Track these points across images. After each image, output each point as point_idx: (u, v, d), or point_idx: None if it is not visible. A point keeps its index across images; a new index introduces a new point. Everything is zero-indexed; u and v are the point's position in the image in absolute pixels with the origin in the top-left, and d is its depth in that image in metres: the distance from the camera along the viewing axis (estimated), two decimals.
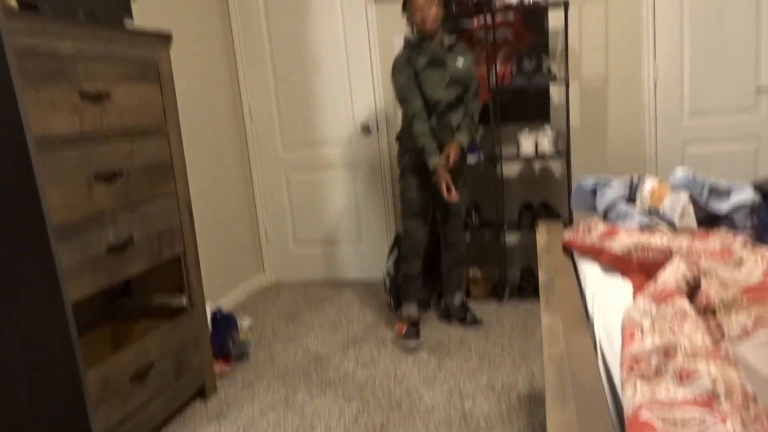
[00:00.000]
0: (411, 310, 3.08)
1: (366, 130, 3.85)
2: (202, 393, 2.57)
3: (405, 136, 2.94)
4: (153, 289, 2.55)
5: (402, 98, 2.88)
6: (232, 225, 3.87)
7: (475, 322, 3.14)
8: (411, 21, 2.88)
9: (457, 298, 3.24)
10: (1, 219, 1.04)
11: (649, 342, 0.95)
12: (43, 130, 1.77)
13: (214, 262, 3.64)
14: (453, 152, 2.83)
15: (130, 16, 2.25)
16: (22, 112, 1.04)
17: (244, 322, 3.35)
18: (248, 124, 4.05)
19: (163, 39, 2.33)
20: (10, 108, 1.03)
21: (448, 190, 2.75)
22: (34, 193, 1.07)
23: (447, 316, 3.28)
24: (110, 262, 2.02)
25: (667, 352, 0.90)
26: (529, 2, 3.19)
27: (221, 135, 3.77)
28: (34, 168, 1.06)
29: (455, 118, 2.93)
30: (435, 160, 2.77)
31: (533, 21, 3.49)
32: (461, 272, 3.27)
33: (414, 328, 3.00)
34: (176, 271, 2.47)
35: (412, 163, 2.91)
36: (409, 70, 2.84)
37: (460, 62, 2.92)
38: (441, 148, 2.88)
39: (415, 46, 2.88)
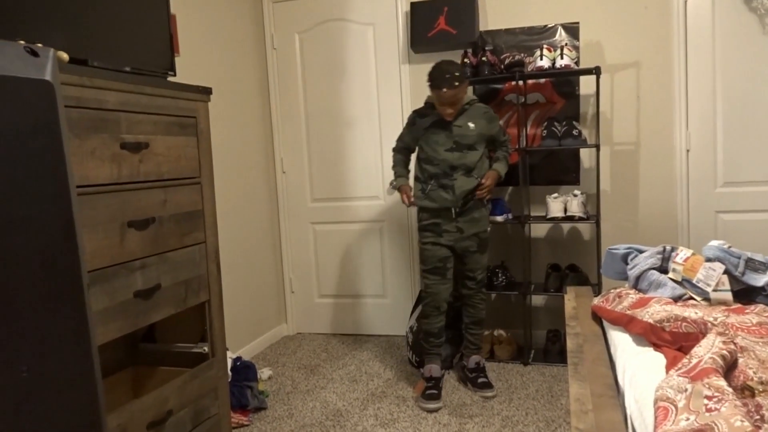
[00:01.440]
0: (432, 368, 3.00)
1: (393, 187, 3.88)
2: None
3: (415, 196, 3.04)
4: (175, 335, 2.55)
5: (395, 145, 3.17)
6: (258, 274, 3.89)
7: (485, 386, 3.01)
8: (433, 99, 2.91)
9: (473, 361, 3.13)
10: (41, 266, 1.07)
11: (684, 422, 0.92)
12: (82, 178, 1.83)
13: (238, 310, 3.64)
14: (490, 178, 2.95)
15: (173, 70, 2.35)
16: (67, 163, 1.08)
17: (263, 373, 3.32)
18: (279, 176, 4.12)
19: (203, 93, 2.41)
20: (57, 158, 1.07)
21: (408, 198, 3.01)
22: (72, 241, 1.09)
23: (463, 377, 3.21)
24: (137, 307, 2.04)
25: None
26: (561, 66, 3.23)
27: (253, 186, 3.84)
28: (75, 217, 1.09)
29: (461, 183, 2.89)
30: (400, 181, 3.10)
31: (565, 85, 3.54)
32: (480, 334, 3.18)
33: (435, 388, 2.93)
34: (200, 319, 2.47)
35: (427, 219, 2.97)
36: (412, 131, 3.04)
37: (471, 125, 2.91)
38: (439, 208, 2.93)
39: (428, 106, 3.00)
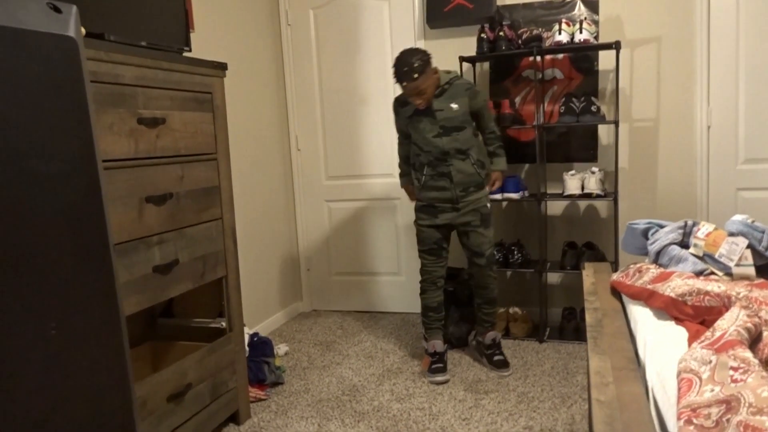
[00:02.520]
0: (435, 344, 3.03)
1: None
2: (235, 418, 2.57)
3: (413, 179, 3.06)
4: (193, 311, 2.58)
5: (398, 140, 3.15)
6: (273, 252, 3.90)
7: (501, 365, 3.00)
8: None
9: (489, 337, 3.12)
10: (71, 234, 1.07)
11: (708, 393, 0.91)
12: (101, 153, 1.83)
13: (254, 287, 3.67)
14: (498, 181, 3.05)
15: (189, 46, 2.34)
16: (94, 136, 1.08)
17: (280, 349, 3.35)
18: (294, 153, 4.11)
19: (219, 68, 2.40)
20: (84, 131, 1.07)
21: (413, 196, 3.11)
22: (99, 212, 1.10)
23: (478, 352, 3.22)
24: (155, 282, 2.06)
25: (729, 405, 0.85)
26: (580, 41, 3.18)
27: (268, 163, 3.84)
28: (102, 195, 1.09)
29: (458, 166, 2.85)
30: (402, 181, 3.19)
31: (583, 61, 3.48)
32: (493, 312, 3.15)
33: (440, 362, 2.96)
34: (217, 295, 2.50)
35: (420, 202, 3.00)
36: (398, 119, 3.02)
37: (454, 106, 2.83)
38: (439, 200, 2.92)
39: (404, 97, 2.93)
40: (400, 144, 3.13)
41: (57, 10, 1.07)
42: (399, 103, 2.98)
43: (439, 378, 2.89)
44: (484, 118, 2.96)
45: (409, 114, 2.90)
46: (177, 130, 2.17)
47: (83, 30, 1.82)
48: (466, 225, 2.94)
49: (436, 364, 2.95)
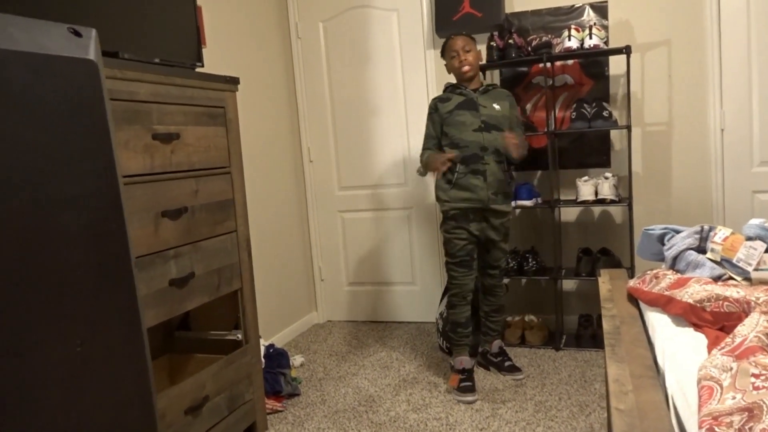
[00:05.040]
0: (463, 360, 2.95)
1: (421, 172, 3.86)
2: (252, 430, 2.57)
3: (440, 184, 2.94)
4: (210, 323, 2.59)
5: (424, 145, 3.02)
6: (288, 263, 3.92)
7: (514, 369, 3.02)
8: (449, 67, 2.94)
9: (495, 345, 3.14)
10: (94, 252, 1.09)
11: (730, 400, 0.90)
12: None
13: (269, 299, 3.68)
14: (511, 139, 2.79)
15: (201, 61, 2.37)
16: (113, 141, 1.10)
17: (296, 360, 3.36)
18: (306, 164, 4.14)
19: (231, 83, 2.43)
20: (103, 135, 1.09)
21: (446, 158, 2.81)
22: (121, 229, 1.11)
23: (485, 362, 3.19)
24: (172, 295, 2.07)
25: (752, 413, 0.84)
26: (590, 46, 3.17)
27: (280, 175, 3.87)
28: (121, 194, 1.11)
29: (493, 168, 2.83)
30: (427, 153, 2.94)
31: (594, 66, 3.47)
32: (500, 320, 3.16)
33: (469, 380, 2.87)
34: (233, 307, 2.51)
35: (451, 210, 2.89)
36: (435, 118, 2.94)
37: (497, 106, 2.88)
38: (471, 200, 2.84)
39: (449, 90, 2.95)
40: (429, 150, 2.97)
41: (77, 34, 1.09)
42: (439, 99, 2.94)
43: (469, 398, 2.78)
44: (517, 126, 2.99)
45: (450, 108, 2.86)
46: (191, 144, 2.19)
47: None
48: (490, 243, 2.96)
49: (465, 383, 2.85)
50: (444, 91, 2.99)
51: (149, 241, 1.98)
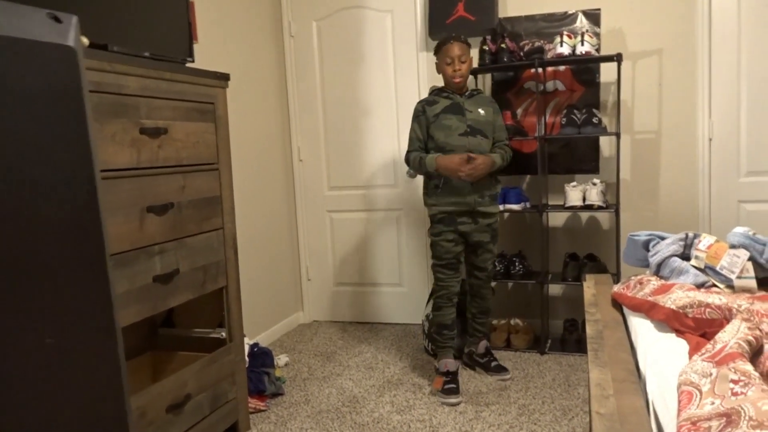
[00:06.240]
0: (447, 363, 2.96)
1: (411, 174, 3.87)
2: (235, 429, 2.55)
3: (427, 188, 2.96)
4: (194, 321, 2.57)
5: (408, 148, 2.97)
6: (275, 262, 3.90)
7: (500, 369, 3.05)
8: (441, 70, 2.92)
9: (482, 346, 3.17)
10: (68, 243, 1.07)
11: (708, 406, 0.90)
12: (102, 162, 1.84)
13: (255, 298, 3.66)
14: (482, 157, 2.79)
15: (192, 57, 2.35)
16: (92, 146, 1.09)
17: (280, 359, 3.34)
18: (296, 164, 4.12)
19: (221, 79, 2.42)
20: (83, 141, 1.07)
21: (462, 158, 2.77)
22: (97, 222, 1.10)
23: (470, 363, 3.20)
24: (156, 291, 2.06)
25: (730, 418, 0.85)
26: (582, 53, 3.19)
27: (269, 174, 3.85)
28: (99, 198, 1.10)
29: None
30: (430, 156, 2.84)
31: (585, 73, 3.49)
32: (486, 322, 3.19)
33: (453, 382, 2.88)
34: (217, 305, 2.49)
35: (438, 213, 2.90)
36: (421, 121, 2.92)
37: (482, 111, 2.90)
38: (458, 205, 2.85)
39: (435, 93, 2.95)
40: (414, 151, 2.93)
41: (57, 20, 1.08)
42: (426, 102, 2.93)
43: (453, 400, 2.79)
44: (500, 130, 3.01)
45: (436, 112, 2.87)
46: (179, 140, 2.18)
47: (86, 41, 1.84)
48: (478, 244, 2.97)
49: (449, 385, 2.86)
50: (430, 94, 2.99)
51: (133, 237, 1.96)
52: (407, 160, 2.97)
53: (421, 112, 2.93)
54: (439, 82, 3.76)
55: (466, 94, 2.93)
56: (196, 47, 3.09)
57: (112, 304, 1.17)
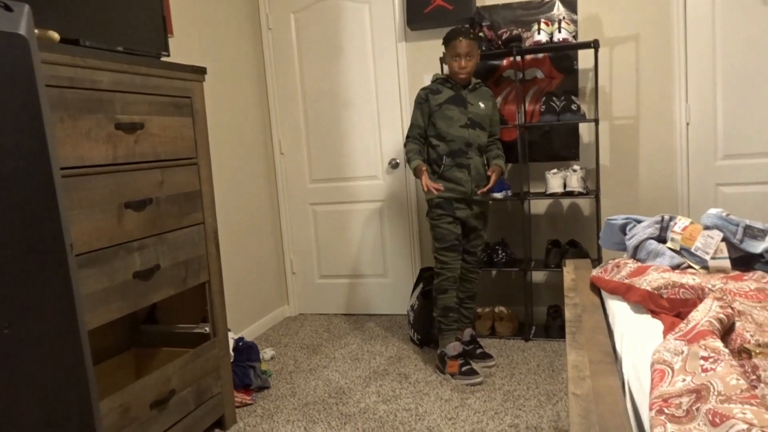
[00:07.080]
0: (455, 346, 2.99)
1: (393, 165, 3.87)
2: (221, 423, 2.55)
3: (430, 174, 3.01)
4: (177, 317, 2.56)
5: (408, 133, 3.03)
6: (259, 256, 3.89)
7: (485, 356, 3.08)
8: (447, 62, 2.96)
9: (467, 334, 3.20)
10: (23, 242, 1.07)
11: (680, 383, 0.92)
12: (77, 159, 1.82)
13: (239, 292, 3.65)
14: (495, 173, 2.99)
15: (167, 50, 2.33)
16: (49, 142, 1.08)
17: (266, 353, 3.34)
18: (278, 157, 4.11)
19: (198, 73, 2.39)
20: (39, 138, 1.06)
21: (430, 186, 2.88)
22: (56, 220, 1.09)
23: None
24: (136, 288, 2.04)
25: (699, 394, 0.86)
26: (559, 40, 3.20)
27: (251, 167, 3.83)
28: (58, 195, 1.08)
29: (476, 162, 2.95)
30: (416, 162, 2.93)
31: (563, 60, 3.50)
32: (473, 308, 3.24)
33: (468, 363, 2.94)
34: (200, 300, 2.48)
35: (436, 198, 2.96)
36: (424, 108, 2.97)
37: (482, 105, 2.98)
38: (455, 191, 2.93)
39: (440, 82, 2.98)
40: (415, 139, 2.98)
41: (8, 8, 1.06)
42: (430, 91, 2.96)
43: (477, 379, 2.85)
44: (496, 125, 3.10)
45: (440, 101, 2.92)
46: (156, 135, 2.16)
47: (57, 36, 1.81)
48: (472, 229, 3.06)
49: (466, 366, 2.92)
50: (433, 82, 3.01)
51: (112, 233, 1.95)
52: (405, 145, 3.05)
53: (424, 100, 2.97)
54: (429, 69, 3.76)
55: (470, 87, 2.98)
56: (171, 41, 3.06)
57: (74, 297, 1.16)
